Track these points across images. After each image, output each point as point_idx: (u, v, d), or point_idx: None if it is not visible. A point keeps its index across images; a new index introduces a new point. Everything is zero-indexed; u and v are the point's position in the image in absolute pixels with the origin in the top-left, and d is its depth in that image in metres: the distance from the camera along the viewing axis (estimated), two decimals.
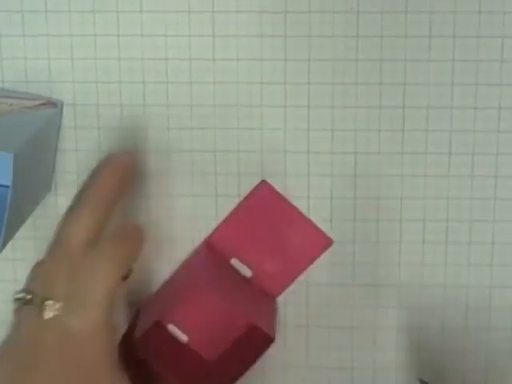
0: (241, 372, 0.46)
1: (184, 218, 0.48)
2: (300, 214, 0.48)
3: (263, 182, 0.47)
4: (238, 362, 0.47)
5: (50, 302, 0.42)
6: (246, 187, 0.48)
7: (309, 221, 0.48)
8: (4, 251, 0.43)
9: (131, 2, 0.47)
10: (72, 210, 0.44)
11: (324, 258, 0.48)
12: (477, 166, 0.47)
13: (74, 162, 0.48)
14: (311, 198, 0.48)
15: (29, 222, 0.48)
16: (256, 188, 0.48)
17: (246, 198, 0.48)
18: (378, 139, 0.47)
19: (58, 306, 0.42)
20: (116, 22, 0.47)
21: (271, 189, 0.48)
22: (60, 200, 0.49)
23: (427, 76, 0.46)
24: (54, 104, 0.47)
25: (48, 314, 0.42)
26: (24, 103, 0.46)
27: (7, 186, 0.41)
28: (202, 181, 0.48)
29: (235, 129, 0.48)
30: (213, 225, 0.49)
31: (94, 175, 0.44)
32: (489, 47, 0.46)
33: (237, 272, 0.48)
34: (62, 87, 0.48)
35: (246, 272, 0.49)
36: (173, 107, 0.48)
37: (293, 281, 0.48)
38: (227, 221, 0.48)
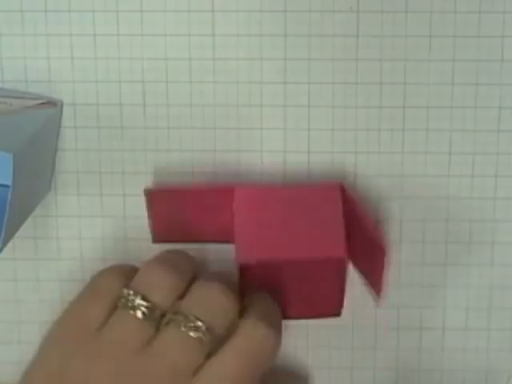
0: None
1: None
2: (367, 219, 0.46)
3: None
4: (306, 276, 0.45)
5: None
6: None
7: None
8: (4, 251, 0.43)
9: (131, 2, 0.47)
10: None
11: None
12: (477, 166, 0.47)
13: (73, 162, 0.48)
14: None
15: (29, 221, 0.48)
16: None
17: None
18: (378, 139, 0.47)
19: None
20: (116, 21, 0.47)
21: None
22: (60, 200, 0.49)
23: (427, 76, 0.46)
24: (53, 104, 0.47)
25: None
26: (24, 103, 0.46)
27: (7, 186, 0.41)
28: (202, 180, 0.48)
29: (235, 129, 0.48)
30: None
31: None
32: (489, 47, 0.46)
33: None
34: (62, 87, 0.48)
35: None
36: (173, 107, 0.48)
37: None
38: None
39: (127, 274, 0.45)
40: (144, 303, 0.42)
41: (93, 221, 0.49)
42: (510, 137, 0.47)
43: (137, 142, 0.48)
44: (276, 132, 0.47)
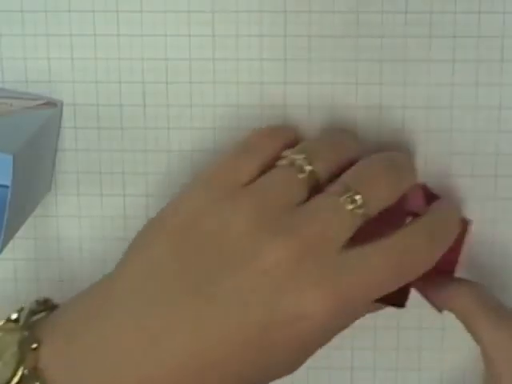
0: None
1: None
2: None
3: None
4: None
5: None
6: None
7: None
8: (4, 251, 0.43)
9: (131, 2, 0.47)
10: None
11: None
12: (477, 166, 0.47)
13: (73, 162, 0.48)
14: None
15: (29, 221, 0.48)
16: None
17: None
18: (378, 139, 0.47)
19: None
20: (116, 21, 0.47)
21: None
22: (60, 200, 0.49)
23: (427, 76, 0.46)
24: (53, 104, 0.47)
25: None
26: (24, 103, 0.46)
27: (7, 186, 0.41)
28: None
29: (235, 129, 0.48)
30: None
31: None
32: (489, 47, 0.46)
33: None
34: (62, 87, 0.48)
35: None
36: (173, 107, 0.48)
37: None
38: None
39: (284, 136, 0.43)
40: (309, 167, 0.40)
41: (93, 221, 0.49)
42: (510, 137, 0.47)
43: (137, 142, 0.48)
44: None
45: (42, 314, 0.41)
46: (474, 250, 0.48)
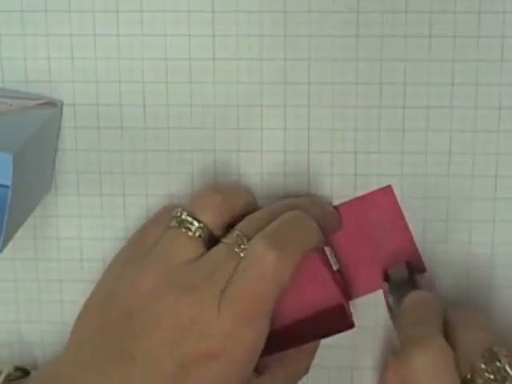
0: (306, 341, 0.45)
1: None
2: (406, 228, 0.48)
3: (389, 187, 0.47)
4: (309, 331, 0.45)
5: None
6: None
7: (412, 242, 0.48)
8: (4, 251, 0.43)
9: (131, 2, 0.47)
10: None
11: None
12: (477, 166, 0.47)
13: (73, 162, 0.48)
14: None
15: (29, 221, 0.48)
16: (380, 190, 0.47)
17: (364, 196, 0.47)
18: (378, 139, 0.47)
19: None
20: (116, 21, 0.47)
21: (393, 196, 0.47)
22: (60, 200, 0.49)
23: (427, 76, 0.46)
24: (53, 104, 0.47)
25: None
26: (24, 103, 0.46)
27: (7, 186, 0.41)
28: (202, 181, 0.48)
29: (235, 129, 0.48)
30: None
31: None
32: (489, 47, 0.46)
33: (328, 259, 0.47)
34: (62, 87, 0.48)
35: (334, 264, 0.47)
36: (173, 107, 0.48)
37: (369, 292, 0.48)
38: (343, 207, 0.48)
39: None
40: (195, 222, 0.43)
41: (93, 221, 0.49)
42: (510, 137, 0.47)
43: (137, 142, 0.48)
44: (276, 132, 0.47)
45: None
46: (474, 250, 0.48)
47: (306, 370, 0.47)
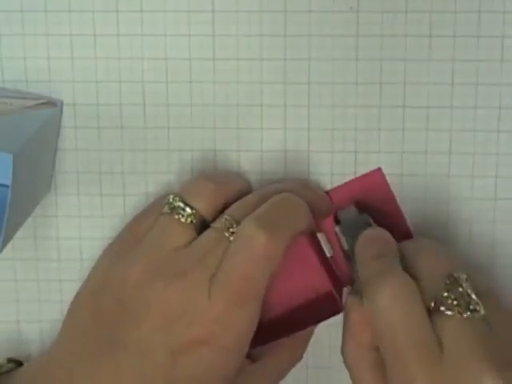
0: (300, 328, 0.44)
1: None
2: (398, 210, 0.47)
3: (379, 169, 0.47)
4: (302, 318, 0.44)
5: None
6: None
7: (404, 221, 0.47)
8: (4, 251, 0.43)
9: (131, 2, 0.47)
10: None
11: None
12: (477, 166, 0.47)
13: (73, 162, 0.48)
14: None
15: (29, 221, 0.48)
16: (370, 174, 0.47)
17: (355, 180, 0.47)
18: (378, 139, 0.47)
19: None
20: (116, 21, 0.47)
21: (383, 179, 0.47)
22: (60, 200, 0.49)
23: (427, 76, 0.46)
24: (53, 104, 0.47)
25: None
26: (24, 103, 0.46)
27: (7, 186, 0.41)
28: None
29: (235, 129, 0.48)
30: None
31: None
32: (489, 47, 0.46)
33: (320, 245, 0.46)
34: (62, 87, 0.48)
35: (327, 250, 0.46)
36: (173, 107, 0.48)
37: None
38: (334, 191, 0.47)
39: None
40: (187, 209, 0.43)
41: (93, 221, 0.49)
42: (510, 137, 0.47)
43: (137, 141, 0.48)
44: (276, 132, 0.47)
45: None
46: (474, 250, 0.48)
47: (300, 357, 0.46)
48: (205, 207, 0.43)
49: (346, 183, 0.48)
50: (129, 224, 0.46)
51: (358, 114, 0.47)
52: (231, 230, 0.42)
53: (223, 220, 0.42)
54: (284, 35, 0.47)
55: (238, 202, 0.44)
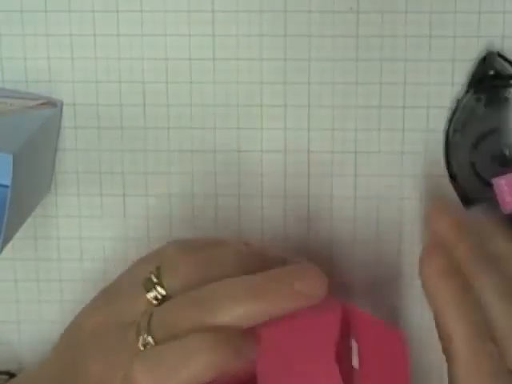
0: None
1: (183, 218, 0.48)
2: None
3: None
4: None
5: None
6: (246, 187, 0.48)
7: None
8: (4, 251, 0.43)
9: (131, 2, 0.47)
10: None
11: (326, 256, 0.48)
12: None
13: (73, 162, 0.48)
14: (311, 197, 0.48)
15: (29, 221, 0.48)
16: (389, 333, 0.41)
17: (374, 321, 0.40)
18: (378, 139, 0.47)
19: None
20: (116, 21, 0.47)
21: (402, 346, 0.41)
22: (60, 200, 0.49)
23: (427, 76, 0.46)
24: (53, 104, 0.47)
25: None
26: (24, 103, 0.46)
27: (7, 186, 0.41)
28: (202, 181, 0.48)
29: (235, 129, 0.48)
30: (212, 225, 0.49)
31: None
32: (489, 47, 0.46)
33: (350, 355, 0.40)
34: (62, 87, 0.48)
35: (355, 362, 0.40)
36: (173, 107, 0.48)
37: None
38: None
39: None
40: (160, 289, 0.41)
41: (93, 221, 0.49)
42: None
43: (137, 142, 0.48)
44: (276, 132, 0.48)
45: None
46: None
47: None
48: (180, 287, 0.41)
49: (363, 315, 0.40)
50: (129, 268, 0.45)
51: (358, 114, 0.47)
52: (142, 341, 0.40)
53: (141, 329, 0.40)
54: (284, 35, 0.47)
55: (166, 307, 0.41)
